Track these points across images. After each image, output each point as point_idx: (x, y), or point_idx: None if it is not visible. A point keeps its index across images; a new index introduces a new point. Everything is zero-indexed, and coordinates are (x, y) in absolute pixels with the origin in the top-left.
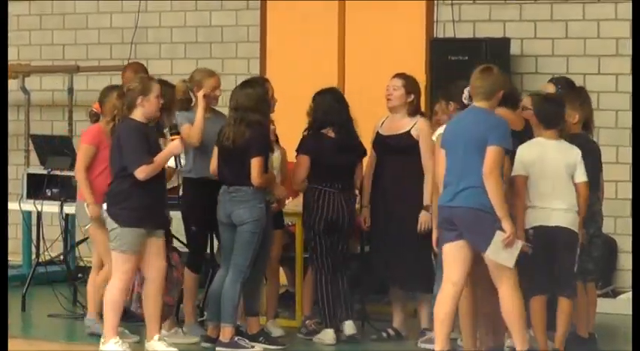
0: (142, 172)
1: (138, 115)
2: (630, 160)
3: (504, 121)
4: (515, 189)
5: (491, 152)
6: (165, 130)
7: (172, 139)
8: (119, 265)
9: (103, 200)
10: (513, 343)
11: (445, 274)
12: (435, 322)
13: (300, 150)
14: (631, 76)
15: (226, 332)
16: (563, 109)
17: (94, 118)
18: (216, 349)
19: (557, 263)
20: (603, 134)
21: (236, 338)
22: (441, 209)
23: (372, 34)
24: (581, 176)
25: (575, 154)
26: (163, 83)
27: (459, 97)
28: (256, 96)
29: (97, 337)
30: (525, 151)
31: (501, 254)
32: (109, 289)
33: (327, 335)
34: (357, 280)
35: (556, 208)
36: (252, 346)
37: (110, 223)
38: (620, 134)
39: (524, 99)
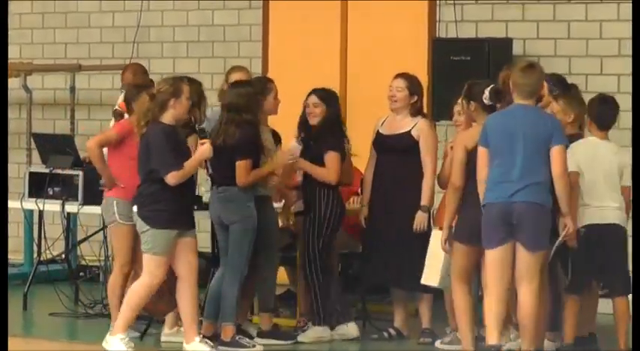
0: (173, 178)
1: (168, 117)
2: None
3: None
4: (569, 185)
5: (562, 151)
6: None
7: (202, 143)
8: (152, 267)
9: (132, 201)
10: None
11: (493, 279)
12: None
13: (336, 148)
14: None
15: (227, 331)
16: (618, 110)
17: (119, 117)
18: (219, 348)
19: (610, 261)
20: None
21: (237, 337)
22: (497, 205)
23: (374, 34)
24: (627, 179)
25: (627, 155)
26: (190, 81)
27: (480, 96)
28: (247, 95)
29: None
30: (581, 150)
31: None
32: (136, 287)
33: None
34: (358, 280)
35: (611, 206)
36: (254, 346)
37: (141, 225)
38: (621, 135)
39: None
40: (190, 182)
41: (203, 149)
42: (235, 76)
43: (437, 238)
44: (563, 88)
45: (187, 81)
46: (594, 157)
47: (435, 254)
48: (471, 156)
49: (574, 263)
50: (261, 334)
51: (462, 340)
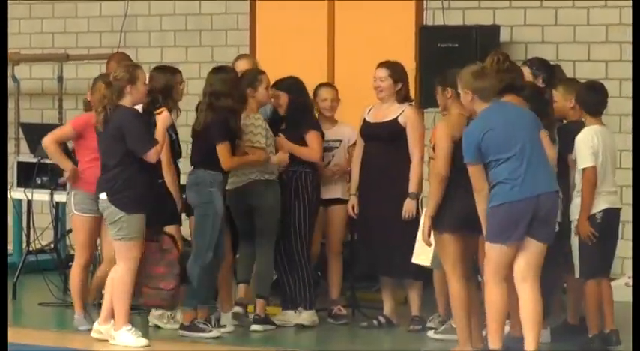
0: (154, 154)
1: (126, 102)
2: (621, 148)
3: None
4: (588, 179)
5: (546, 136)
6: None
7: (159, 113)
8: (128, 253)
9: (99, 189)
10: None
11: (498, 274)
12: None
13: (316, 127)
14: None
15: (186, 316)
16: (607, 96)
17: (89, 106)
18: (179, 332)
19: (613, 244)
20: None
21: (196, 321)
22: (523, 202)
23: (361, 21)
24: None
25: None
26: (160, 69)
27: (456, 83)
28: (227, 80)
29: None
30: (592, 141)
31: None
32: (118, 277)
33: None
34: (347, 268)
35: (616, 190)
36: (210, 331)
37: (114, 213)
38: (609, 121)
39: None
40: (156, 166)
41: (163, 117)
42: (241, 64)
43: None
44: (546, 70)
45: (159, 70)
46: (604, 145)
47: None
48: (457, 145)
49: (586, 249)
50: (257, 321)
51: (458, 337)
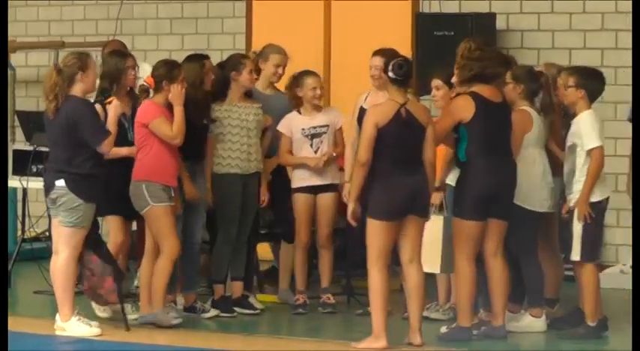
0: (108, 145)
1: (77, 90)
2: (617, 135)
3: None
4: (596, 159)
5: None
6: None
7: (109, 102)
8: (75, 241)
9: (55, 175)
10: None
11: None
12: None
13: None
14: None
15: (187, 299)
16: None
17: (145, 94)
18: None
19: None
20: None
21: (193, 304)
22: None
23: (357, 8)
24: None
25: None
26: (115, 53)
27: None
28: (192, 70)
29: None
30: (596, 123)
31: None
32: (60, 267)
33: None
34: (342, 255)
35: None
36: (209, 311)
37: (73, 199)
38: (605, 108)
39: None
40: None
41: (113, 105)
42: (274, 57)
43: (437, 223)
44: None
45: (113, 54)
46: (601, 129)
47: (434, 240)
48: (381, 133)
49: (588, 233)
50: (235, 303)
51: (374, 328)
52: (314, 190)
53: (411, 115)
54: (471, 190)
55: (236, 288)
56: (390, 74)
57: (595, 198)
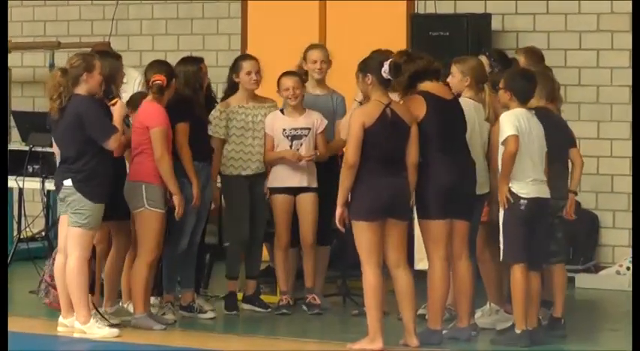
0: (115, 141)
1: (82, 91)
2: (613, 136)
3: None
4: (509, 148)
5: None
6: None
7: (113, 104)
8: (85, 242)
9: (63, 175)
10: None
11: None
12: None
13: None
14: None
15: (184, 297)
16: (535, 83)
17: (160, 93)
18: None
19: (542, 234)
20: (584, 110)
21: (192, 303)
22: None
23: (353, 9)
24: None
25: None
26: (107, 54)
27: (378, 69)
28: (183, 73)
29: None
30: (516, 121)
31: None
32: (73, 268)
33: None
34: (338, 256)
35: (544, 179)
36: (206, 312)
37: (80, 200)
38: (601, 109)
39: (452, 67)
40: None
41: (118, 106)
42: (314, 55)
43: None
44: (503, 62)
45: (106, 54)
46: (529, 130)
47: None
48: (367, 133)
49: (510, 233)
50: (245, 300)
51: (370, 327)
52: (293, 192)
53: (396, 115)
54: (432, 190)
55: (249, 286)
56: (384, 74)
57: (521, 192)
